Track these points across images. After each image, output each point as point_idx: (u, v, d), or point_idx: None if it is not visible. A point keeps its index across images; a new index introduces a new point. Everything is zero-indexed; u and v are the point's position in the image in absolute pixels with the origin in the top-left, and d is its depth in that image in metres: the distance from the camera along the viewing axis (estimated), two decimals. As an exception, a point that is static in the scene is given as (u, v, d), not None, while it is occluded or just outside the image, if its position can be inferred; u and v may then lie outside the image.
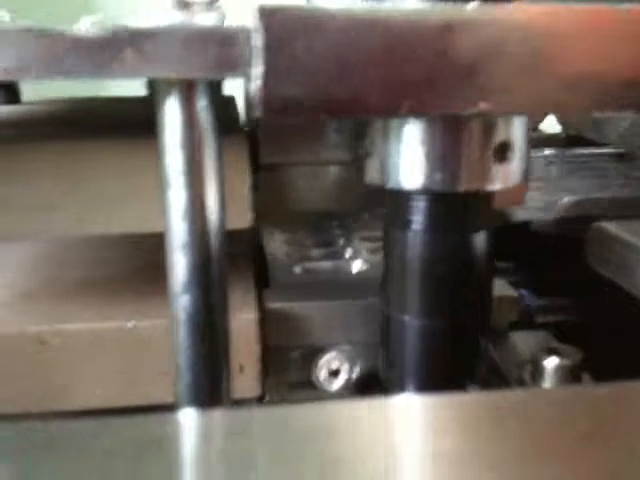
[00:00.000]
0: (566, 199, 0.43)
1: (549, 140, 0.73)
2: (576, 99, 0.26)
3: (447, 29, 0.24)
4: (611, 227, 0.34)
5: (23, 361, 0.32)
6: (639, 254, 0.31)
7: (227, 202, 0.29)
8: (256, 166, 0.35)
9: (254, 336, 0.33)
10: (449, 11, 0.25)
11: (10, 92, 0.52)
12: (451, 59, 0.25)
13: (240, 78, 0.24)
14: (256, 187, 0.34)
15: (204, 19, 0.25)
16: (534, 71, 0.25)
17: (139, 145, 0.32)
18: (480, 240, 0.30)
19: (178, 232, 0.27)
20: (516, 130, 0.28)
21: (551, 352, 0.31)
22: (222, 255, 0.28)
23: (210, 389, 0.29)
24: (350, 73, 0.24)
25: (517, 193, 0.36)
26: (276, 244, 0.44)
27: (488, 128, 0.28)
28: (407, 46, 0.24)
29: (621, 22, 0.25)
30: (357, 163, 0.35)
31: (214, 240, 0.28)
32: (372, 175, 0.30)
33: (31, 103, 0.48)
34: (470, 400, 0.24)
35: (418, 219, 0.30)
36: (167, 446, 0.19)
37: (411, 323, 0.31)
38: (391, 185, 0.29)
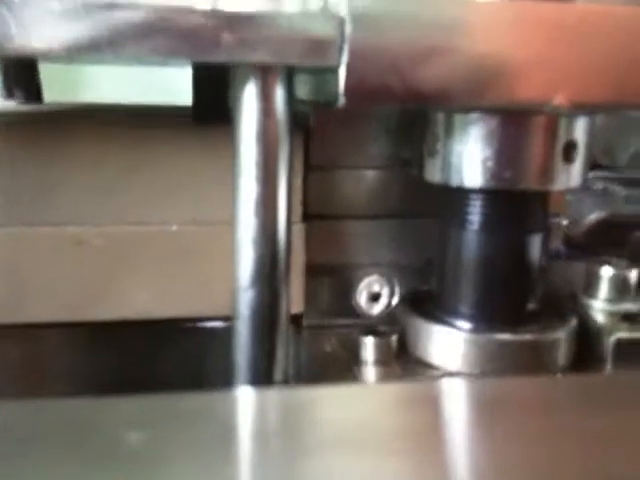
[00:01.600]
0: (595, 214, 0.44)
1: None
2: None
3: (525, 23, 0.25)
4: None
5: (61, 262, 0.31)
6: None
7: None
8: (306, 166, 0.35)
9: (301, 250, 0.33)
10: (528, 5, 0.25)
11: (32, 92, 0.52)
12: (527, 51, 0.25)
13: (329, 66, 0.24)
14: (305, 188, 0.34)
15: (290, 6, 0.25)
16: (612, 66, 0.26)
17: (199, 136, 0.32)
18: (537, 241, 0.31)
19: (248, 225, 0.27)
20: (581, 130, 0.29)
21: (604, 263, 0.32)
22: (288, 250, 0.28)
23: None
24: (434, 64, 0.25)
25: (559, 199, 0.37)
26: None
27: (556, 126, 0.28)
28: (481, 38, 0.25)
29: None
30: (403, 168, 0.35)
31: (281, 234, 0.28)
32: (433, 174, 0.30)
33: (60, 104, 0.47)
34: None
35: (478, 218, 0.30)
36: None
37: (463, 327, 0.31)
38: (453, 183, 0.29)
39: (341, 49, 0.24)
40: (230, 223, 0.27)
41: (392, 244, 0.36)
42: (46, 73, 0.58)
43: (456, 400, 0.22)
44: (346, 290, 0.36)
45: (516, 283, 0.31)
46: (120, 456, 0.15)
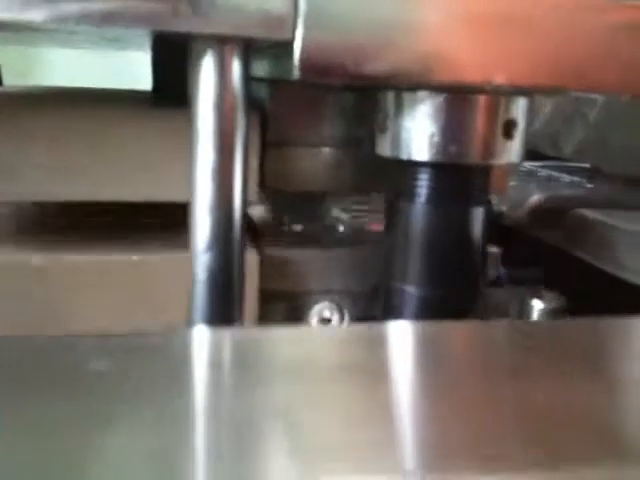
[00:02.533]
0: (536, 196, 0.47)
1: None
2: None
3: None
4: (590, 212, 0.37)
5: (25, 293, 0.32)
6: (619, 233, 0.34)
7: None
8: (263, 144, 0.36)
9: (254, 279, 0.34)
10: None
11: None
12: (469, 33, 0.27)
13: (284, 39, 0.26)
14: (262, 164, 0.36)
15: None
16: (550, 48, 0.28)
17: (159, 117, 0.33)
18: (480, 213, 0.32)
19: (205, 193, 0.28)
20: (520, 110, 0.31)
21: (536, 296, 0.34)
22: (243, 218, 0.29)
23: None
24: (384, 44, 0.26)
25: (501, 181, 0.39)
26: (258, 211, 0.45)
27: (497, 105, 0.30)
28: (429, 19, 0.27)
29: None
30: (357, 145, 0.37)
31: (237, 203, 0.29)
32: (384, 148, 0.32)
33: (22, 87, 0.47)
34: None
35: (426, 191, 0.32)
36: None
37: (412, 293, 0.33)
38: (403, 157, 0.31)
39: (295, 24, 0.25)
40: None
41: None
42: (4, 58, 0.58)
43: (401, 340, 0.23)
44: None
45: (461, 253, 0.33)
46: (80, 388, 0.16)
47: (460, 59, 0.27)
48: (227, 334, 0.22)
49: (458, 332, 0.23)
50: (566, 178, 0.57)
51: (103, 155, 0.33)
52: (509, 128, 0.30)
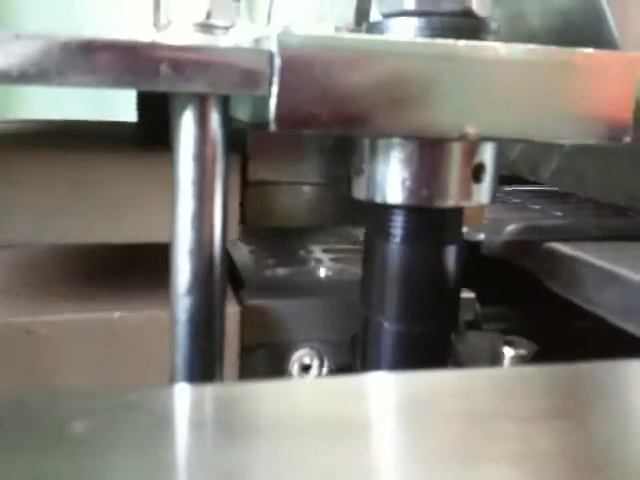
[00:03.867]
0: (512, 225, 0.48)
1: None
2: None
3: (437, 60, 0.28)
4: (561, 246, 0.38)
5: (10, 351, 0.33)
6: (588, 267, 0.36)
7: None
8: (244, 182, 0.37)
9: (235, 331, 0.35)
10: (440, 45, 0.28)
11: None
12: (442, 88, 0.28)
13: (260, 96, 0.27)
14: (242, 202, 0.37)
15: (225, 41, 0.28)
16: (516, 102, 0.29)
17: (143, 158, 0.34)
18: (453, 252, 0.34)
19: (185, 238, 0.29)
20: (490, 153, 0.32)
21: (508, 344, 0.35)
22: (224, 261, 0.31)
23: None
24: (360, 94, 0.27)
25: (478, 213, 0.40)
26: (242, 252, 0.46)
27: (466, 151, 0.31)
28: (404, 74, 0.28)
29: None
30: (336, 184, 0.38)
31: (217, 247, 0.30)
32: (359, 191, 0.33)
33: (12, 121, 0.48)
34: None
35: (400, 232, 0.33)
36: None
37: (389, 328, 0.34)
38: (377, 200, 0.32)
39: (271, 81, 0.26)
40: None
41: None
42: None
43: (382, 392, 0.24)
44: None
45: (435, 292, 0.34)
46: (64, 445, 0.17)
47: (429, 112, 0.29)
48: (208, 390, 0.23)
49: (438, 382, 0.24)
50: (536, 206, 0.59)
51: (89, 196, 0.34)
52: (478, 172, 0.32)
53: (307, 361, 0.38)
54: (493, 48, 0.29)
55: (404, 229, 0.33)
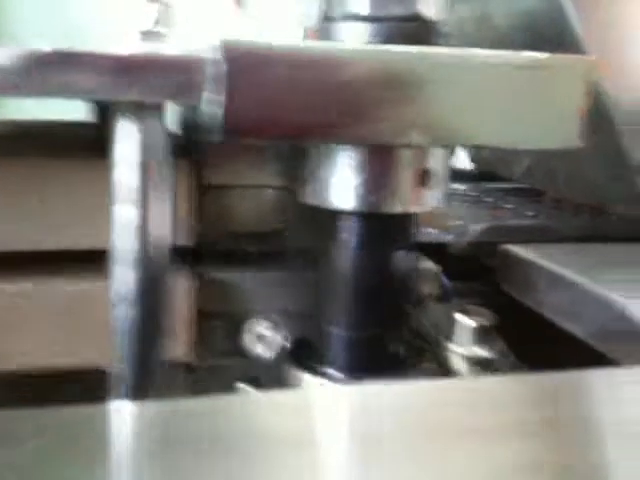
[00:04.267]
0: (480, 226, 0.48)
1: (460, 175, 0.80)
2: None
3: (385, 67, 0.28)
4: (517, 250, 0.39)
5: None
6: (542, 273, 0.36)
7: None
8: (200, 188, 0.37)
9: (188, 301, 0.35)
10: (387, 52, 0.29)
11: None
12: (388, 94, 0.29)
13: (197, 103, 0.27)
14: (200, 207, 0.37)
15: (167, 49, 0.28)
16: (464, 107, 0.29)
17: (86, 165, 0.34)
18: (404, 256, 0.34)
19: (124, 247, 0.29)
20: (438, 159, 0.32)
21: (466, 313, 0.35)
22: (166, 271, 0.31)
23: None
24: (306, 102, 0.28)
25: (442, 217, 0.41)
26: None
27: (414, 157, 0.32)
28: (349, 80, 0.28)
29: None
30: (293, 187, 0.38)
31: (159, 255, 0.30)
32: (310, 197, 0.33)
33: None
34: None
35: (350, 237, 0.33)
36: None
37: (339, 332, 0.34)
38: (327, 206, 0.33)
39: (213, 89, 0.26)
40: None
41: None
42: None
43: (331, 406, 0.24)
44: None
45: (387, 294, 0.34)
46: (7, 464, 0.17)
47: (377, 119, 0.29)
48: (148, 408, 0.23)
49: (392, 395, 0.24)
50: (513, 204, 0.59)
51: (46, 204, 0.34)
52: (426, 178, 0.32)
53: (266, 333, 0.38)
54: (442, 54, 0.29)
55: (353, 235, 0.33)
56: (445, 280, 0.45)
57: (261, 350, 0.38)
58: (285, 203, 0.39)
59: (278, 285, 0.38)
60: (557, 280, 0.34)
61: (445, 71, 0.29)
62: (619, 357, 0.29)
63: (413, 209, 0.32)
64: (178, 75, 0.27)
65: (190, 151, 0.36)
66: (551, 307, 0.35)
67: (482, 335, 0.36)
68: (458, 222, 0.50)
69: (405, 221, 0.34)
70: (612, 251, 0.40)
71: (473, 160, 0.79)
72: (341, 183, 0.32)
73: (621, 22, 0.43)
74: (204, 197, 0.37)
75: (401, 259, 0.34)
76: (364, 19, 0.31)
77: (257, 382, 0.36)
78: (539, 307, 0.36)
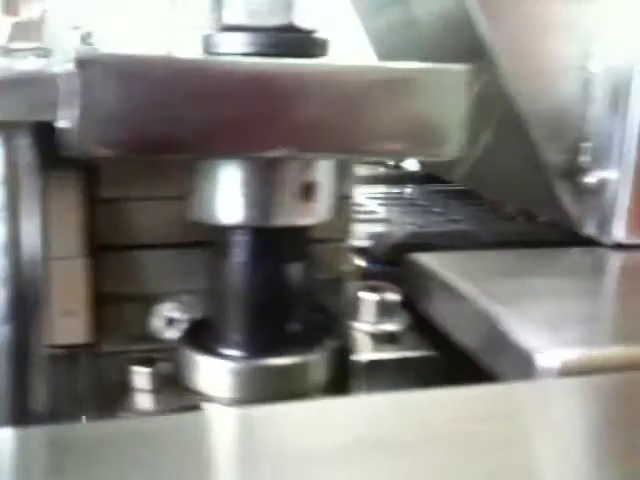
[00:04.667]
0: (400, 232, 0.48)
1: (408, 177, 0.79)
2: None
3: (254, 79, 0.28)
4: (420, 258, 0.38)
5: None
6: (436, 283, 0.35)
7: (58, 234, 0.31)
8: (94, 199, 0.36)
9: (82, 280, 0.34)
10: (256, 63, 0.28)
11: None
12: (257, 106, 0.28)
13: (53, 119, 0.26)
14: (94, 219, 0.36)
15: (27, 64, 0.27)
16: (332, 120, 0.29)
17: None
18: (294, 269, 0.33)
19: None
20: (321, 172, 0.32)
21: (372, 290, 0.35)
22: (42, 286, 0.30)
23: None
24: (164, 115, 0.27)
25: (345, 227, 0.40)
26: None
27: (297, 170, 0.31)
28: (216, 92, 0.27)
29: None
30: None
31: (34, 272, 0.29)
32: (195, 212, 0.33)
33: None
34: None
35: (237, 251, 0.33)
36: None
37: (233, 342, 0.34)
38: (212, 221, 0.32)
39: (73, 105, 0.26)
40: None
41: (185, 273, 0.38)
42: None
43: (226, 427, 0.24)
44: (143, 317, 0.38)
45: (276, 309, 0.33)
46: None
47: (246, 131, 0.28)
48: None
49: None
50: (444, 208, 0.59)
51: None
52: (310, 191, 0.31)
53: (175, 315, 0.37)
54: (314, 65, 0.28)
55: (240, 248, 0.33)
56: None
57: (169, 333, 0.37)
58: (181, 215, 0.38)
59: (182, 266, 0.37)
60: (448, 291, 0.34)
61: (316, 83, 0.28)
62: (498, 371, 0.29)
63: (299, 222, 0.32)
64: (32, 91, 0.26)
65: (79, 165, 0.35)
66: (443, 318, 0.34)
67: (386, 310, 0.36)
68: (382, 227, 0.50)
69: (296, 234, 0.33)
70: (518, 258, 0.40)
71: (420, 163, 0.79)
72: (224, 198, 0.31)
73: (532, 27, 0.42)
74: (97, 210, 0.36)
75: (293, 270, 0.33)
76: (241, 30, 0.30)
77: (152, 363, 0.35)
78: (434, 317, 0.35)
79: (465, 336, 0.32)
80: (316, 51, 0.31)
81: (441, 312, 0.35)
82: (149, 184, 0.37)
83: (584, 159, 0.43)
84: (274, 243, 0.33)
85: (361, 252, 0.47)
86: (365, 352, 0.34)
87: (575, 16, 0.43)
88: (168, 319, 0.38)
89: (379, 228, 0.48)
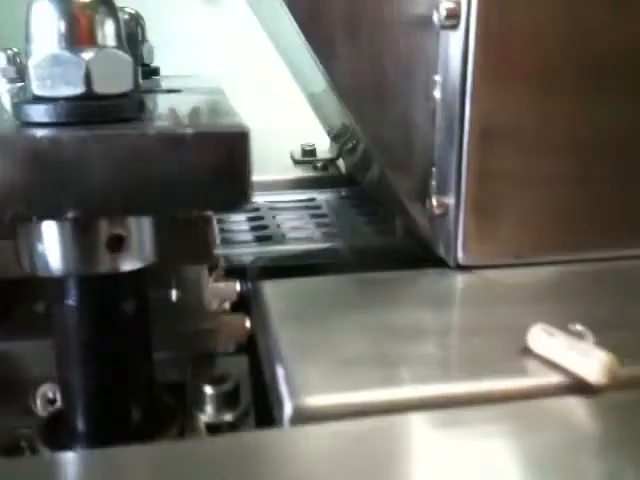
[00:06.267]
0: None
1: (334, 181, 0.81)
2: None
3: (37, 148, 0.30)
4: (261, 285, 0.40)
5: None
6: (260, 315, 0.38)
7: None
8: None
9: None
10: (33, 135, 0.30)
11: None
12: (45, 173, 0.30)
13: None
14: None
15: None
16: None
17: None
18: (131, 311, 0.36)
19: None
20: (131, 225, 0.34)
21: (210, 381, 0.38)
22: None
23: None
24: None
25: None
26: None
27: (106, 225, 0.34)
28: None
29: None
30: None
31: None
32: (23, 263, 0.35)
33: None
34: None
35: (67, 296, 0.36)
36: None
37: (74, 385, 0.37)
38: (39, 272, 0.35)
39: None
40: None
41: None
42: None
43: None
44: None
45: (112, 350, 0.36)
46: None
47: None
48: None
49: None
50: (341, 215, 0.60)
51: None
52: (116, 243, 0.34)
53: (51, 396, 0.41)
54: (87, 134, 0.31)
55: (69, 294, 0.35)
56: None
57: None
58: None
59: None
60: (263, 325, 0.36)
61: (92, 149, 0.31)
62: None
63: (111, 271, 0.34)
64: None
65: None
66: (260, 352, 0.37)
67: (223, 400, 0.39)
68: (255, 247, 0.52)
69: (120, 278, 0.36)
70: (350, 285, 0.41)
71: (346, 167, 0.81)
72: (41, 251, 0.34)
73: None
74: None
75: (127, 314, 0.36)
76: (38, 101, 0.32)
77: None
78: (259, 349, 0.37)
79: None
80: (125, 114, 0.33)
81: (259, 346, 0.37)
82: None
83: (433, 183, 0.45)
84: (101, 289, 0.36)
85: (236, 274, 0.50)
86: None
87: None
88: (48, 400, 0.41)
89: (251, 249, 0.50)
